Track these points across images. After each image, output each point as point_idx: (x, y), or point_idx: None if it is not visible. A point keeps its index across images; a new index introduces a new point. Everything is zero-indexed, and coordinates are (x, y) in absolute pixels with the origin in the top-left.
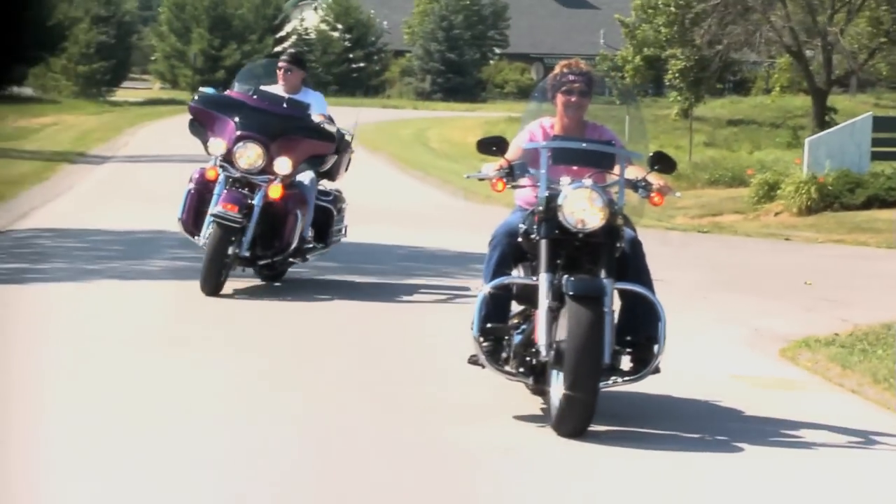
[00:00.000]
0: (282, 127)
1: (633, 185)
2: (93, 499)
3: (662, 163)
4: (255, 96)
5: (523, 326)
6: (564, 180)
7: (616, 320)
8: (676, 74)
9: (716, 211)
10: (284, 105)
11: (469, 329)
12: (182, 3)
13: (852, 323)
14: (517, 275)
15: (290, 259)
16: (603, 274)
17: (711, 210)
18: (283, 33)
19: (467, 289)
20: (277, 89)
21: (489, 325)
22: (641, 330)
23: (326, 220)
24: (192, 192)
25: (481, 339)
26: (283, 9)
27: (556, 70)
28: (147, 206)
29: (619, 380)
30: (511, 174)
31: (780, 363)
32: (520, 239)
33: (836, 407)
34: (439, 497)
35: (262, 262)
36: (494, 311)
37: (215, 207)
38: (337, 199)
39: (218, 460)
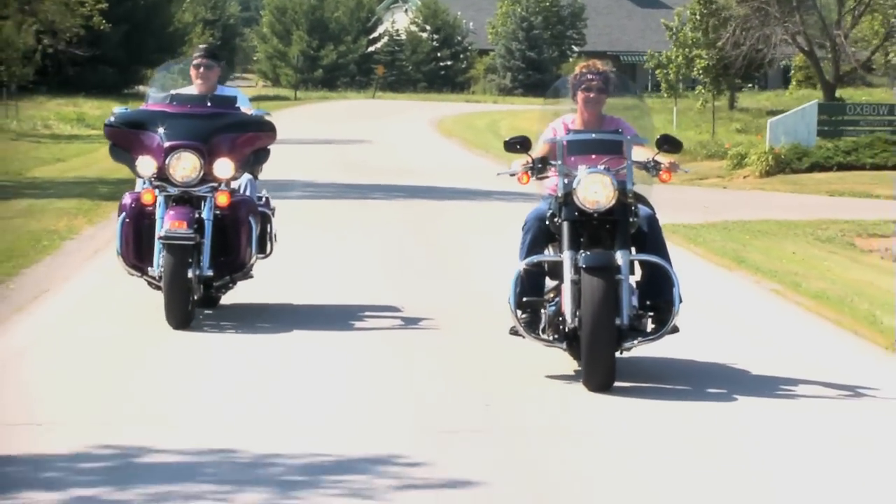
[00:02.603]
0: (212, 127)
1: (644, 165)
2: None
3: (669, 143)
4: (173, 102)
5: (557, 299)
6: (581, 168)
7: (638, 287)
8: (700, 71)
9: (703, 176)
10: (209, 104)
11: (507, 302)
12: (283, 7)
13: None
14: (548, 254)
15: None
16: (618, 247)
17: (700, 175)
18: (375, 34)
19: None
20: (192, 91)
21: (525, 299)
22: (660, 295)
23: (265, 226)
24: (127, 221)
25: (519, 312)
26: (376, 12)
27: (577, 70)
28: (306, 175)
29: (642, 339)
30: (534, 168)
31: None
32: (547, 222)
33: None
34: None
35: (217, 283)
36: (530, 286)
37: (161, 230)
38: (268, 201)
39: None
